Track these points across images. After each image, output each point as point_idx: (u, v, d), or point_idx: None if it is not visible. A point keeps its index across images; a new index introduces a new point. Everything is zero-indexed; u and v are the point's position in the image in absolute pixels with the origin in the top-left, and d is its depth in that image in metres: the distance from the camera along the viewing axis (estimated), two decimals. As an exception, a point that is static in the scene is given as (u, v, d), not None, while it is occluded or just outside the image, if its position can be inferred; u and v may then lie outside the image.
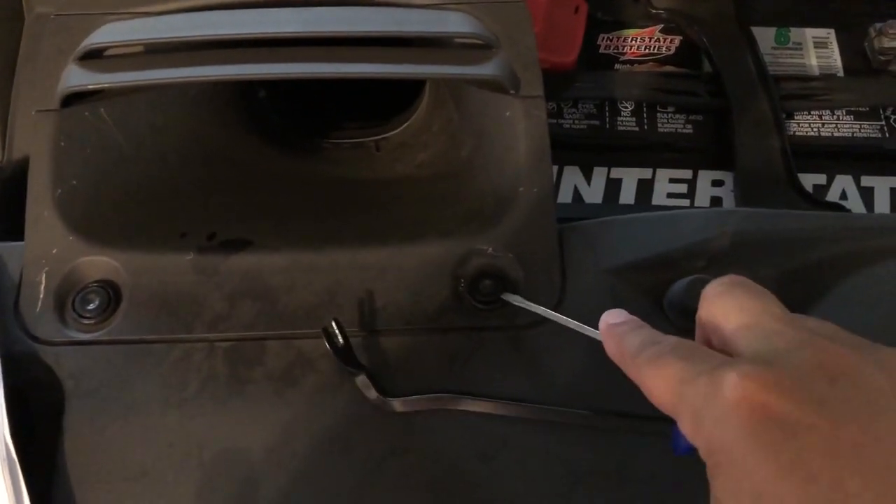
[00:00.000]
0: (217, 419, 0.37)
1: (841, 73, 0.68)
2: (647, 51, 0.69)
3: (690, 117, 0.66)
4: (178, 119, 0.47)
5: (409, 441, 0.37)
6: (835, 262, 0.40)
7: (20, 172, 0.42)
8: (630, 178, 0.64)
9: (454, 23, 0.43)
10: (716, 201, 0.63)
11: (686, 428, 0.23)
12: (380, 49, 0.42)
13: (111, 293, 0.39)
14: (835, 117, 0.66)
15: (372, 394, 0.37)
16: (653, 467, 0.37)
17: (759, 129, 0.63)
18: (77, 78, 0.41)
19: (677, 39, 0.69)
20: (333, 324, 0.36)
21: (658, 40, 0.69)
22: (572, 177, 0.64)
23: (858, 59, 0.68)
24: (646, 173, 0.64)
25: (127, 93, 0.43)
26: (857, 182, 0.64)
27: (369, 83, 0.51)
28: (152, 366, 0.38)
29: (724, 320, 0.25)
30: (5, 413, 0.35)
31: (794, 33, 0.70)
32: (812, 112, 0.66)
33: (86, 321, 0.38)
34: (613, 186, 0.64)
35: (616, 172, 0.64)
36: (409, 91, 0.54)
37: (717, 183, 0.64)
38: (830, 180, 0.64)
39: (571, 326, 0.34)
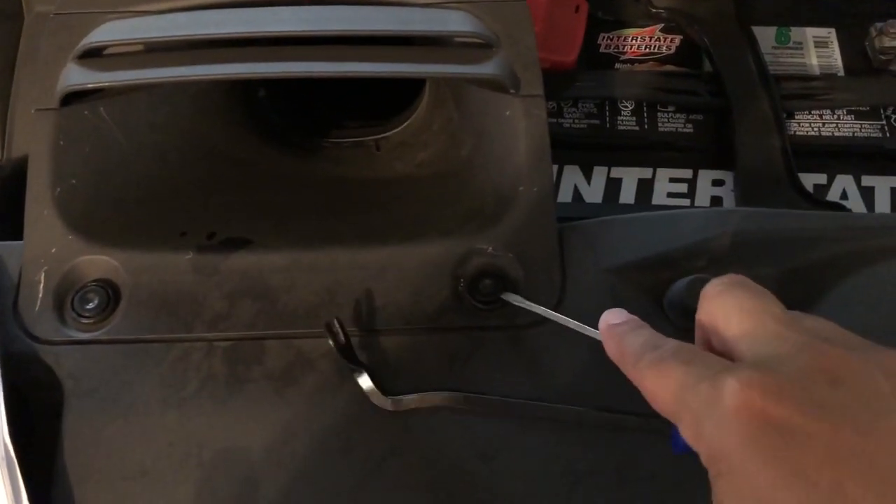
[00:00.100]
0: (216, 419, 0.37)
1: (841, 73, 0.68)
2: (647, 50, 0.69)
3: (691, 117, 0.66)
4: (177, 118, 0.47)
5: (408, 441, 0.37)
6: (835, 261, 0.40)
7: (20, 171, 0.42)
8: (630, 177, 0.64)
9: (454, 22, 0.43)
10: (716, 201, 0.63)
11: (687, 433, 0.23)
12: (380, 48, 0.42)
13: (110, 292, 0.39)
14: (835, 117, 0.66)
15: (372, 392, 0.37)
16: (653, 467, 0.37)
17: (760, 129, 0.63)
18: (76, 77, 0.41)
19: (678, 39, 0.69)
20: (335, 321, 0.36)
21: (658, 40, 0.69)
22: (572, 176, 0.64)
23: (859, 59, 0.68)
24: (646, 173, 0.64)
25: (126, 92, 0.43)
26: (858, 182, 0.64)
27: (369, 82, 0.51)
28: (152, 365, 0.38)
29: (724, 320, 0.25)
30: (4, 413, 0.35)
31: (795, 33, 0.70)
32: (813, 112, 0.66)
33: (85, 320, 0.38)
34: (613, 186, 0.64)
35: (616, 172, 0.64)
36: (409, 90, 0.54)
37: (717, 182, 0.64)
38: (831, 180, 0.64)
39: (571, 326, 0.34)
